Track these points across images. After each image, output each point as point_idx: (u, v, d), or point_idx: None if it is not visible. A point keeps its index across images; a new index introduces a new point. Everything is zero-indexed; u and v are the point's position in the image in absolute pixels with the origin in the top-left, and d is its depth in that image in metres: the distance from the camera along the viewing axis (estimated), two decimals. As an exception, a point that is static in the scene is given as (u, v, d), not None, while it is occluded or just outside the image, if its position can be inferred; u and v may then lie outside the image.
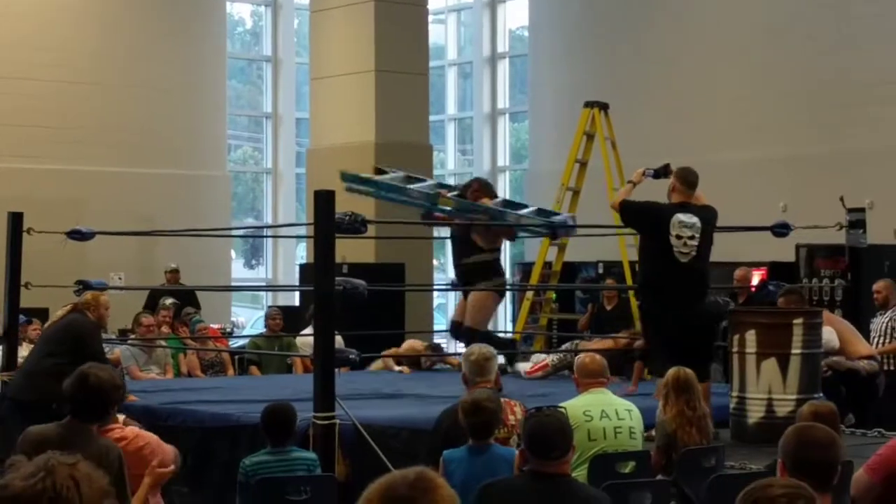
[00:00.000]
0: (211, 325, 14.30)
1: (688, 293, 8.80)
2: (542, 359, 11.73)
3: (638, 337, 13.23)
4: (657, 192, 9.33)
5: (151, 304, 14.38)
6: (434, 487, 2.61)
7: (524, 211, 11.09)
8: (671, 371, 7.19)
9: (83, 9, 17.80)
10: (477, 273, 10.30)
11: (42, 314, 12.83)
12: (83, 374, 5.34)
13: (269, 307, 15.56)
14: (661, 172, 9.30)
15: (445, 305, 21.62)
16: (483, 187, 10.77)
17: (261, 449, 6.91)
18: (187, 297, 14.68)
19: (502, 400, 6.58)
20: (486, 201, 10.53)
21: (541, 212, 11.38)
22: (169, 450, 6.03)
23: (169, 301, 13.55)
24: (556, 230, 11.41)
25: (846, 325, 10.60)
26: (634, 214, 9.15)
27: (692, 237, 8.75)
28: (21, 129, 16.93)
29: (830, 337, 9.67)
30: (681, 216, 8.76)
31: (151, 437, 6.02)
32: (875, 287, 11.68)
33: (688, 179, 8.94)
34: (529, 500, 4.94)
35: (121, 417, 6.37)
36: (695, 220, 8.78)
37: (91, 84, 17.53)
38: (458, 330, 10.64)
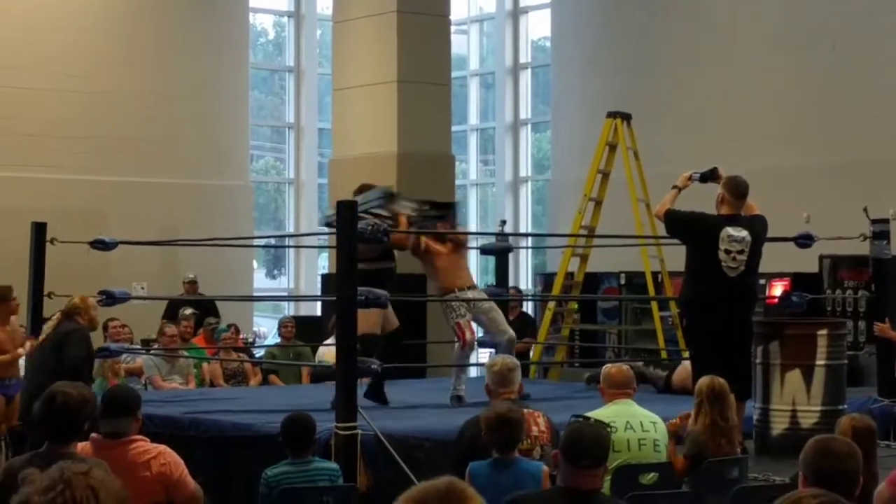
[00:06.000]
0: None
1: (735, 309, 8.41)
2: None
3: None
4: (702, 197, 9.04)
5: (171, 314, 14.40)
6: (465, 498, 2.59)
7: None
8: (704, 380, 7.04)
9: (105, 20, 17.83)
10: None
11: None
12: (49, 397, 5.15)
13: (282, 317, 15.55)
14: (709, 176, 8.78)
15: (467, 316, 21.56)
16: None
17: (282, 459, 6.90)
18: (207, 307, 14.68)
19: (525, 411, 6.56)
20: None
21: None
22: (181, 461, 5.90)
23: (189, 311, 13.56)
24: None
25: None
26: (680, 225, 8.62)
27: (741, 251, 8.33)
28: (44, 139, 16.99)
29: None
30: (730, 230, 8.32)
31: (166, 451, 5.85)
32: None
33: (737, 190, 8.43)
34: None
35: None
36: (744, 233, 8.36)
37: (114, 94, 17.57)
38: None
